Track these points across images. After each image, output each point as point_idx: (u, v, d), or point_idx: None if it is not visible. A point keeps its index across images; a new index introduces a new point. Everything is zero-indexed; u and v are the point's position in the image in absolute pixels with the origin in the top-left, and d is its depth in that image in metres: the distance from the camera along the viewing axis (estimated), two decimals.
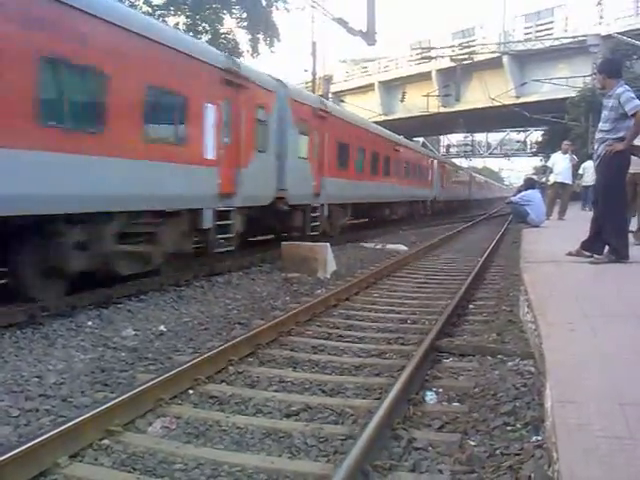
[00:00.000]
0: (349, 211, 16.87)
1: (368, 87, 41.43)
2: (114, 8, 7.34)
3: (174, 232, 8.55)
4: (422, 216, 27.19)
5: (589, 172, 16.68)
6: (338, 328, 6.05)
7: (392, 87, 40.31)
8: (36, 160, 5.97)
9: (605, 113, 6.34)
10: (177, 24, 23.84)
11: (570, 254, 6.91)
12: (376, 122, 25.32)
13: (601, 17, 28.70)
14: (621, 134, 6.18)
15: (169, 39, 8.19)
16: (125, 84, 7.22)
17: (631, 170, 7.01)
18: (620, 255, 6.29)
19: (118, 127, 7.10)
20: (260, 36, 26.44)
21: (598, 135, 6.52)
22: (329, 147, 14.52)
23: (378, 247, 14.22)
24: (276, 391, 4.17)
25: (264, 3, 26.02)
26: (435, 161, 30.91)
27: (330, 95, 37.04)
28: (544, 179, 16.75)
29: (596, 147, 6.59)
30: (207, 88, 9.06)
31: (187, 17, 25.03)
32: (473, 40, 35.47)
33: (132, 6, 20.16)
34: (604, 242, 6.42)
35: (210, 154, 9.18)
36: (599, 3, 28.51)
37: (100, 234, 7.11)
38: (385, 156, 20.29)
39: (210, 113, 9.10)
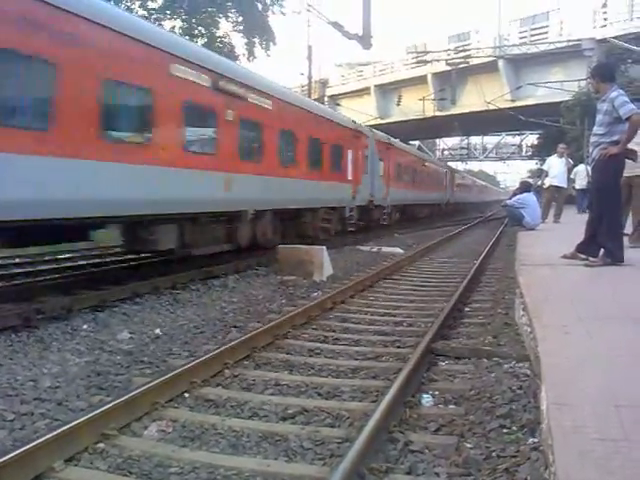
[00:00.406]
0: (398, 210, 23.75)
1: (364, 91, 41.51)
2: (323, 109, 16.85)
3: (336, 218, 15.77)
4: (438, 215, 33.55)
5: (581, 176, 16.96)
6: (334, 331, 6.05)
7: (388, 91, 40.40)
8: (305, 183, 13.17)
9: (599, 117, 6.37)
10: (173, 27, 23.87)
11: (565, 257, 6.93)
12: (372, 125, 25.44)
13: (605, 19, 28.77)
14: (616, 137, 6.21)
15: (338, 119, 16.70)
16: (328, 146, 14.84)
17: (625, 173, 7.05)
18: (615, 258, 6.31)
19: (328, 167, 14.78)
20: (256, 40, 26.51)
21: (593, 139, 6.55)
22: (391, 167, 21.87)
23: (374, 250, 14.23)
24: (272, 394, 4.17)
25: (260, 7, 26.09)
26: (448, 171, 37.80)
27: (326, 99, 37.12)
28: (539, 182, 16.81)
29: (591, 150, 6.62)
30: (348, 141, 16.55)
31: (183, 21, 25.11)
32: (468, 44, 35.58)
33: (128, 9, 20.15)
34: (599, 245, 6.44)
35: (349, 176, 16.52)
36: (604, 5, 28.58)
37: (318, 217, 14.28)
38: (420, 170, 28.10)
39: (349, 154, 16.56)
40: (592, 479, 1.93)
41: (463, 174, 49.90)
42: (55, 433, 3.07)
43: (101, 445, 3.26)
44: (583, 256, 6.69)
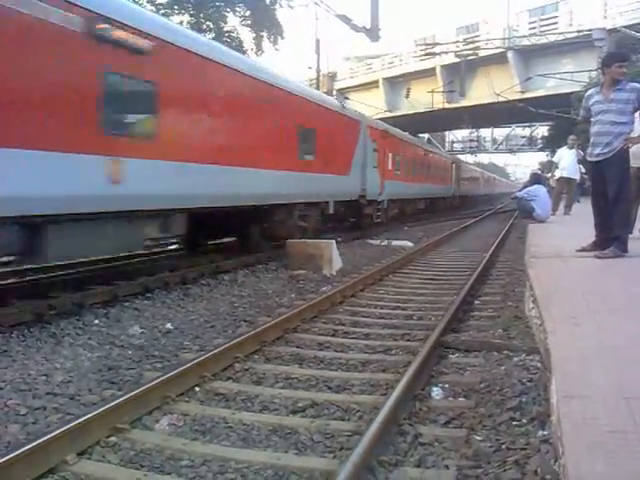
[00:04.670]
0: (462, 198, 38.53)
1: (372, 84, 41.29)
2: (444, 153, 39.94)
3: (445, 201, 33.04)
4: (480, 201, 50.27)
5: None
6: (344, 325, 6.06)
7: (396, 83, 40.18)
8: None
9: (620, 106, 6.22)
10: (181, 22, 23.84)
11: (584, 250, 6.76)
12: (381, 119, 25.36)
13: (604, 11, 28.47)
14: (631, 127, 6.27)
15: (446, 156, 36.11)
16: (444, 168, 32.13)
17: (634, 164, 7.03)
18: (624, 246, 6.30)
19: (445, 178, 32.29)
20: (264, 34, 26.45)
21: (609, 128, 6.34)
22: (462, 175, 37.81)
23: (384, 244, 14.21)
24: (282, 388, 4.19)
25: (267, 1, 26.02)
26: (483, 172, 56.25)
27: (334, 92, 36.97)
28: (549, 175, 16.70)
29: (609, 140, 6.32)
30: (449, 164, 33.83)
31: (191, 15, 25.08)
32: (477, 35, 35.28)
33: (135, 3, 20.12)
34: (614, 236, 6.38)
35: (452, 182, 34.02)
36: None
37: (442, 201, 32.07)
38: (471, 175, 44.77)
39: (450, 170, 33.97)
40: (602, 471, 1.93)
41: (488, 173, 64.46)
42: (68, 427, 3.11)
43: (113, 439, 3.29)
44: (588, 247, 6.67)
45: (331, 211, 13.40)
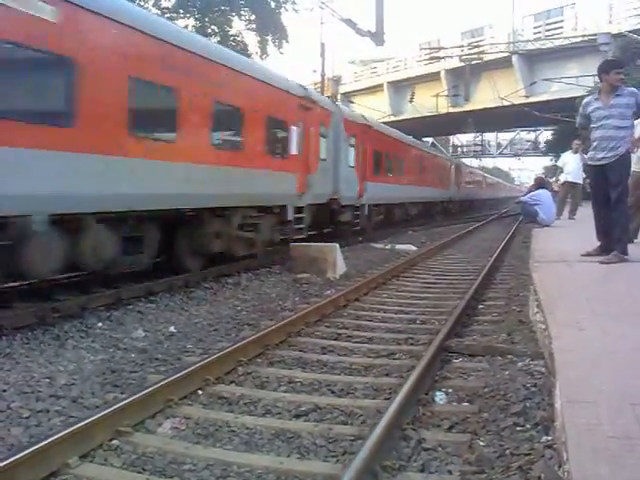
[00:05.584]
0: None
1: (377, 88, 41.33)
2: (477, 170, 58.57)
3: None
4: (495, 204, 60.43)
5: None
6: (347, 328, 6.05)
7: (401, 87, 40.20)
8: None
9: (620, 110, 6.26)
10: (186, 26, 23.93)
11: (589, 254, 6.74)
12: (385, 122, 25.40)
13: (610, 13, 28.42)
14: (632, 130, 6.28)
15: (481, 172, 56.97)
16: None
17: (635, 167, 7.07)
18: (625, 250, 6.29)
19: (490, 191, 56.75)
20: (269, 37, 26.49)
21: (613, 132, 6.32)
22: (487, 185, 55.65)
23: (387, 247, 14.20)
24: (285, 392, 4.18)
25: (273, 5, 26.07)
26: (497, 181, 68.52)
27: (339, 96, 37.00)
28: (554, 179, 16.66)
29: (614, 144, 6.33)
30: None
31: (196, 19, 25.13)
32: (482, 40, 35.31)
33: (140, 6, 20.19)
34: (616, 239, 6.38)
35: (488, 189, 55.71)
36: None
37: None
38: (494, 184, 62.09)
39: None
40: (606, 476, 1.91)
41: (499, 180, 75.97)
42: (70, 430, 3.10)
43: (115, 442, 3.28)
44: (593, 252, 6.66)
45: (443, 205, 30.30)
